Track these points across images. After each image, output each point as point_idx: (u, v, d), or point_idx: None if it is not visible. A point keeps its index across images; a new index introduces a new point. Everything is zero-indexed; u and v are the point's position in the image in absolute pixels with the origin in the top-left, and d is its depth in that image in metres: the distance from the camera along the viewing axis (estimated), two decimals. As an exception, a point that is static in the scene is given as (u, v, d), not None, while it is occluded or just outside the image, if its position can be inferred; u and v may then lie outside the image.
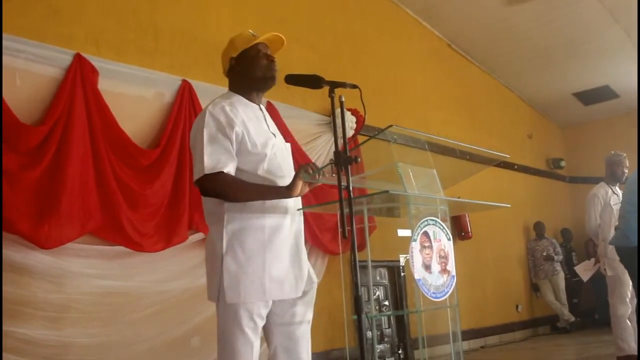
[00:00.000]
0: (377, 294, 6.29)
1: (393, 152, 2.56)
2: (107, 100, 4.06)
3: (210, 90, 4.50)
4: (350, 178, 2.15)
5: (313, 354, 2.57)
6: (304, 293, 2.49)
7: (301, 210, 2.55)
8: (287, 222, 2.45)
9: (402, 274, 6.43)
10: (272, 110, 4.82)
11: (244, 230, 2.37)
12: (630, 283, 5.02)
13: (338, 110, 2.23)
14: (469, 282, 7.40)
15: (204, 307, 4.20)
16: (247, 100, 2.55)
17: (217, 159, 2.33)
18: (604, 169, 5.65)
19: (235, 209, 2.37)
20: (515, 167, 9.25)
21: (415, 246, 2.50)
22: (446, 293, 2.58)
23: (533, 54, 8.57)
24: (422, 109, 7.51)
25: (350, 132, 5.84)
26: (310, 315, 2.55)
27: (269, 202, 2.41)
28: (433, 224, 2.64)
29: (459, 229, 7.58)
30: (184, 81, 4.59)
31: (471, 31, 8.08)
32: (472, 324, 7.42)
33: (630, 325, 5.15)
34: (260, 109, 2.59)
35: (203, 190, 2.39)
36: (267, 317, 2.43)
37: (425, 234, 2.58)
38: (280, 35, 2.58)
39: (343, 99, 2.21)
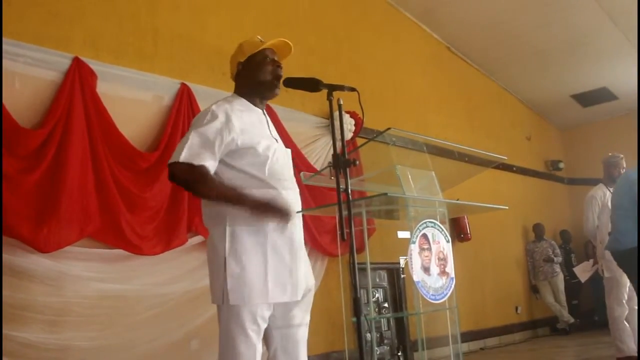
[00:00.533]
0: (376, 296, 6.29)
1: (392, 155, 2.57)
2: (106, 104, 4.07)
3: (209, 93, 4.52)
4: (349, 181, 2.16)
5: (312, 356, 2.58)
6: (303, 296, 2.50)
7: (300, 213, 2.56)
8: (287, 225, 2.45)
9: (402, 276, 6.43)
10: (270, 113, 4.82)
11: (245, 233, 2.38)
12: (628, 284, 5.03)
13: (336, 113, 2.24)
14: (468, 284, 7.40)
15: (204, 310, 4.20)
16: (250, 104, 2.58)
17: (197, 152, 2.35)
18: (602, 171, 5.67)
19: (237, 211, 2.38)
20: (514, 169, 9.25)
21: (414, 248, 2.51)
22: (445, 295, 2.59)
23: (531, 56, 8.59)
24: (421, 112, 7.52)
25: (349, 135, 5.85)
26: (308, 318, 2.56)
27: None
28: (432, 226, 2.64)
29: (457, 231, 7.58)
30: (183, 84, 4.59)
31: (470, 34, 8.09)
32: (472, 325, 7.41)
33: (627, 326, 5.16)
34: (264, 114, 2.62)
35: (171, 175, 2.39)
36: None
37: (424, 236, 2.59)
38: (288, 41, 2.61)
39: (341, 102, 2.22)
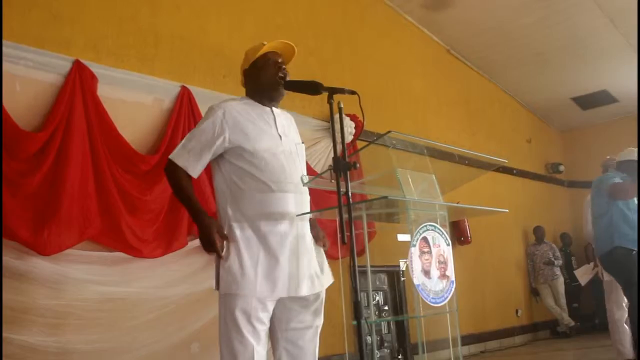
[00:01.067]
0: (376, 299, 6.29)
1: (392, 158, 2.57)
2: (107, 106, 4.07)
3: (210, 96, 4.51)
4: (349, 184, 2.16)
5: (313, 359, 2.57)
6: (312, 299, 2.50)
7: (301, 216, 2.56)
8: (285, 226, 2.48)
9: (402, 279, 6.43)
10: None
11: (242, 229, 2.45)
12: (627, 287, 5.04)
13: (337, 116, 2.24)
14: (468, 287, 7.39)
15: (204, 313, 4.20)
16: (257, 103, 2.63)
17: (186, 157, 2.52)
18: (601, 174, 5.65)
19: (239, 213, 2.46)
20: (514, 171, 9.25)
21: (415, 251, 2.50)
22: (446, 298, 2.58)
23: (532, 59, 8.59)
24: (421, 115, 7.52)
25: (349, 138, 5.84)
26: (318, 322, 2.58)
27: (268, 208, 2.46)
28: (432, 229, 2.64)
29: (458, 234, 7.57)
30: (183, 87, 4.59)
31: (470, 37, 8.10)
32: (472, 329, 7.41)
33: (627, 329, 5.16)
34: (272, 112, 2.65)
35: (165, 167, 2.60)
36: (273, 322, 2.46)
37: (425, 239, 2.58)
38: (289, 42, 2.63)
39: (342, 105, 2.23)
